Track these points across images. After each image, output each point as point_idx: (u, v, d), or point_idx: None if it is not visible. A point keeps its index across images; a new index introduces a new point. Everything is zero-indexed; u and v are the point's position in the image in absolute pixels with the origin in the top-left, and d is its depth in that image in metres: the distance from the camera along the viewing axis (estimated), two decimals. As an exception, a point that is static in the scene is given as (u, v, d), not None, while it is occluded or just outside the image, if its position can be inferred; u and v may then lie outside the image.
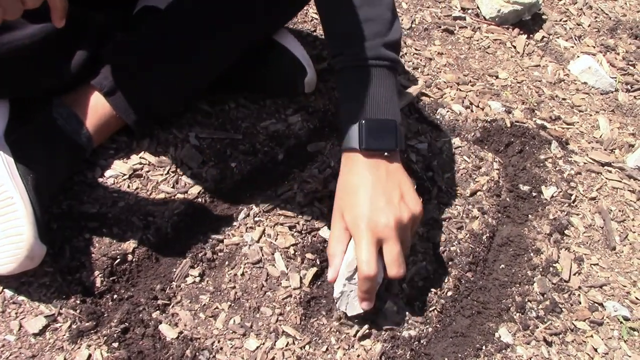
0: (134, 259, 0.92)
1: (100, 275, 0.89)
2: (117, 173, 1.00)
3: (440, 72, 1.39)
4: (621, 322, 1.05)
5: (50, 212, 0.92)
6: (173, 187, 1.01)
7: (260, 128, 1.13)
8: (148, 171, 1.02)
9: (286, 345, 0.90)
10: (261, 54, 1.13)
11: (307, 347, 0.91)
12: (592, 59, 1.52)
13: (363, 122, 0.88)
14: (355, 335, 0.92)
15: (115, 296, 0.89)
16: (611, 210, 1.22)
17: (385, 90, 0.91)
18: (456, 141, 1.22)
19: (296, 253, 0.98)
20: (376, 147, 0.89)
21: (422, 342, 0.95)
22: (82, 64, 0.97)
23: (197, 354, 0.86)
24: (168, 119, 1.07)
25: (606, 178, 1.28)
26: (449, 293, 1.01)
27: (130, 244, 0.93)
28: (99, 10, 1.01)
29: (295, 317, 0.93)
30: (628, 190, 1.27)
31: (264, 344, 0.89)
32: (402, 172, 0.92)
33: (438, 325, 0.97)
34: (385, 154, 0.90)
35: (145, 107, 1.00)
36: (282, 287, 0.95)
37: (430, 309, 0.98)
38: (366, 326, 0.93)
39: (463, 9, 1.61)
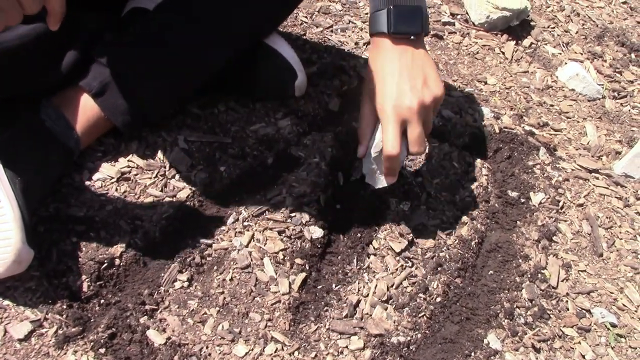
0: (121, 264, 0.91)
1: (87, 280, 0.88)
2: (104, 176, 0.99)
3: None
4: (608, 329, 1.05)
5: (37, 215, 0.91)
6: (161, 190, 1.00)
7: (250, 132, 1.12)
8: (136, 174, 1.01)
9: (275, 351, 0.89)
10: (252, 57, 1.13)
11: (296, 353, 0.90)
12: (579, 66, 1.53)
13: (391, 7, 0.93)
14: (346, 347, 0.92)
15: (102, 301, 0.88)
16: (598, 217, 1.23)
17: None
18: (445, 147, 1.22)
19: (285, 258, 0.98)
20: (404, 31, 0.94)
21: (411, 348, 0.94)
22: (72, 65, 0.96)
23: (185, 359, 0.85)
24: (157, 122, 1.06)
25: (593, 185, 1.29)
26: (438, 299, 1.01)
27: (118, 248, 0.92)
28: (88, 11, 1.00)
29: (284, 322, 0.92)
30: (615, 197, 1.28)
31: (252, 349, 0.88)
32: (426, 56, 0.97)
33: (427, 332, 0.97)
34: (412, 37, 0.95)
35: (134, 109, 0.99)
36: (271, 293, 0.94)
37: (419, 315, 0.98)
38: (356, 337, 0.93)
39: (452, 15, 1.61)
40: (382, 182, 0.99)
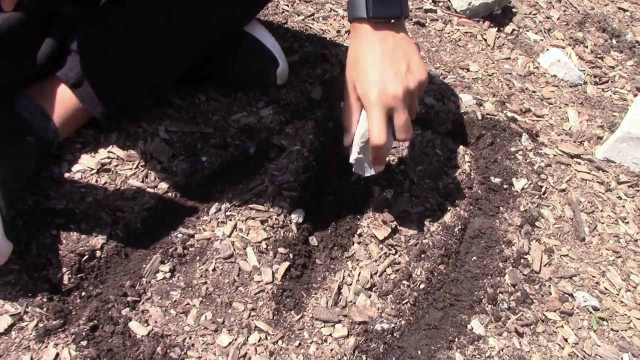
0: (102, 255, 0.91)
1: (67, 272, 0.87)
2: (84, 167, 0.98)
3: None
4: (591, 312, 1.06)
5: (15, 208, 0.89)
6: (142, 181, 0.99)
7: (231, 121, 1.11)
8: (116, 165, 1.00)
9: (259, 341, 0.89)
10: (233, 45, 1.12)
11: (279, 342, 0.90)
12: (561, 52, 1.53)
13: None
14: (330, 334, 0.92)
15: (83, 293, 0.88)
16: (580, 201, 1.23)
17: None
18: (428, 134, 1.22)
19: (268, 247, 0.98)
20: (383, 15, 0.92)
21: (395, 335, 0.95)
22: (48, 55, 0.94)
23: (168, 351, 0.85)
24: (137, 112, 1.05)
25: (575, 170, 1.29)
26: (422, 286, 1.01)
27: (99, 240, 0.91)
28: (65, 1, 0.99)
29: (268, 312, 0.92)
30: (597, 181, 1.29)
31: (236, 339, 0.88)
32: (407, 40, 0.95)
33: (411, 318, 0.97)
34: (392, 21, 0.93)
35: (113, 99, 0.98)
36: (254, 282, 0.94)
37: (403, 302, 0.98)
38: (340, 325, 0.93)
39: (434, 2, 1.61)
40: (369, 171, 0.99)
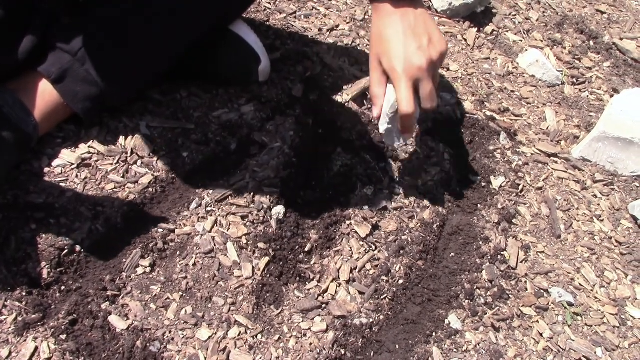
0: (82, 250, 0.91)
1: (47, 267, 0.87)
2: (65, 162, 0.98)
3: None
4: (565, 308, 1.08)
5: (-6, 202, 0.89)
6: (123, 176, 1.00)
7: (213, 117, 1.12)
8: (97, 160, 1.00)
9: (238, 335, 0.90)
10: (215, 42, 1.12)
11: (259, 336, 0.91)
12: (539, 53, 1.55)
13: None
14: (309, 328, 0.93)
15: (63, 287, 0.88)
16: (557, 199, 1.25)
17: None
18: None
19: (249, 243, 0.98)
20: None
21: (373, 329, 0.96)
22: (30, 50, 0.94)
23: (148, 344, 0.85)
24: (118, 108, 1.05)
25: (552, 168, 1.32)
26: (400, 281, 1.03)
27: (79, 235, 0.91)
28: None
29: (248, 306, 0.93)
30: (573, 180, 1.31)
31: (216, 333, 0.89)
32: (427, 16, 1.00)
33: (389, 313, 0.99)
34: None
35: (94, 94, 0.98)
36: (234, 277, 0.95)
37: (382, 297, 1.00)
38: (319, 319, 0.94)
39: (415, 2, 1.62)
40: (399, 140, 1.04)
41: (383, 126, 1.02)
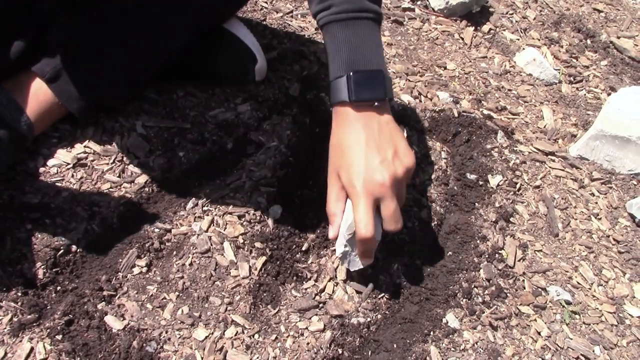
0: (78, 250, 0.90)
1: (42, 267, 0.87)
2: (60, 162, 0.97)
3: (390, 62, 1.40)
4: (563, 306, 1.08)
5: (-11, 202, 0.89)
6: (119, 176, 0.99)
7: (209, 117, 1.11)
8: (93, 160, 1.00)
9: (235, 335, 0.89)
10: (211, 42, 1.12)
11: (256, 336, 0.90)
12: (536, 52, 1.55)
13: (351, 74, 0.88)
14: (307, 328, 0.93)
15: (58, 288, 0.87)
16: (554, 198, 1.25)
17: (371, 41, 0.91)
18: (405, 131, 1.23)
19: (245, 242, 0.98)
20: (366, 98, 0.88)
21: (371, 328, 0.95)
22: (24, 49, 0.94)
23: (144, 345, 0.85)
24: (114, 107, 1.05)
25: (550, 167, 1.31)
26: (398, 280, 1.02)
27: (75, 235, 0.90)
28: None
29: (245, 306, 0.92)
30: (570, 178, 1.31)
31: (212, 333, 0.89)
32: (393, 124, 0.91)
33: (387, 312, 0.98)
34: (376, 104, 0.89)
35: (89, 94, 0.97)
36: (231, 277, 0.94)
37: (379, 296, 0.99)
38: (316, 318, 0.94)
39: (412, 1, 1.62)
40: (357, 264, 0.94)
41: (340, 248, 0.92)
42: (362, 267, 0.94)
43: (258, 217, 1.01)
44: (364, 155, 0.86)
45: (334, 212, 0.91)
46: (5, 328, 0.81)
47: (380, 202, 0.87)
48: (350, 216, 0.89)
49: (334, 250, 0.99)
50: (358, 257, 0.92)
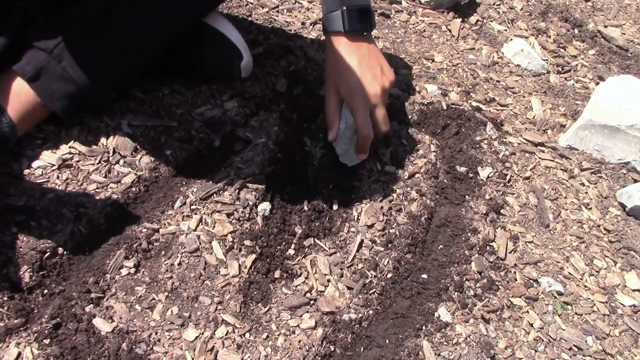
0: (64, 252, 0.89)
1: (29, 270, 0.86)
2: (45, 164, 0.96)
3: (377, 56, 1.39)
4: (555, 297, 1.08)
5: (-27, 206, 0.88)
6: (105, 176, 0.98)
7: (196, 114, 1.10)
8: (78, 161, 0.98)
9: (226, 334, 0.89)
10: (196, 39, 1.11)
11: (247, 334, 0.90)
12: (524, 42, 1.55)
13: (344, 8, 1.05)
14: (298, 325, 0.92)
15: (45, 291, 0.86)
16: (544, 188, 1.25)
17: None
18: (394, 124, 1.22)
19: (234, 240, 0.97)
20: (357, 28, 1.07)
21: (363, 324, 0.95)
22: (4, 49, 0.92)
23: (134, 347, 0.84)
24: (98, 107, 1.03)
25: (539, 158, 1.31)
26: (389, 275, 1.02)
27: (61, 237, 0.89)
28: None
29: (235, 305, 0.91)
30: (560, 169, 1.30)
31: (203, 333, 0.88)
32: (376, 48, 1.11)
33: (379, 307, 0.98)
34: (364, 34, 1.08)
35: (72, 92, 0.96)
36: (220, 276, 0.94)
37: (371, 292, 0.99)
38: (307, 315, 0.93)
39: (399, -7, 1.61)
40: (355, 159, 1.11)
41: (340, 147, 1.10)
42: (359, 161, 1.12)
43: (247, 215, 1.00)
44: (359, 74, 1.05)
45: (333, 119, 1.09)
46: (-9, 333, 0.80)
47: (373, 109, 1.06)
48: (350, 120, 1.08)
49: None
50: (355, 153, 1.10)
